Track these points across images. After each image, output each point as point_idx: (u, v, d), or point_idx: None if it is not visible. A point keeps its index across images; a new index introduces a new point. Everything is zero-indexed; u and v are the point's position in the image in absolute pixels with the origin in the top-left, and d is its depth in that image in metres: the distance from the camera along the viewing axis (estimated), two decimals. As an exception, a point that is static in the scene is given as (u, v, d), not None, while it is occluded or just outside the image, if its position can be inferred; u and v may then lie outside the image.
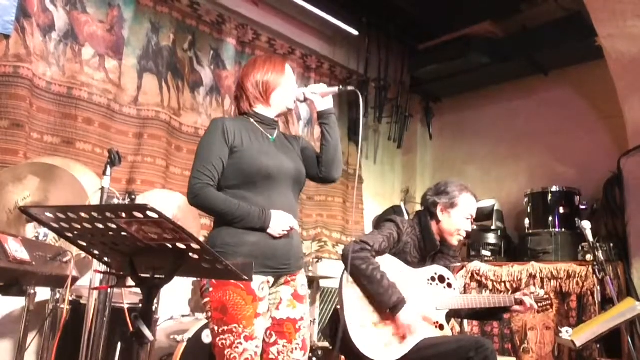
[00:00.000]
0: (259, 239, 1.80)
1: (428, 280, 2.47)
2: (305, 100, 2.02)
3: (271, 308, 1.86)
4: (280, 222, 1.81)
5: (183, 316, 3.07)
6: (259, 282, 1.79)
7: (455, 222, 2.50)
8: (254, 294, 1.76)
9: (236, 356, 1.70)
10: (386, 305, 2.27)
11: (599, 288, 3.33)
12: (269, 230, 1.80)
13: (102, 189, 2.30)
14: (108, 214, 1.11)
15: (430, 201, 2.56)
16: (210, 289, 1.77)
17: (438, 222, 2.52)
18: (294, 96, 2.01)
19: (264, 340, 1.85)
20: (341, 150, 2.04)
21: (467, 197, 2.54)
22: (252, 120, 1.96)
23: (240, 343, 1.71)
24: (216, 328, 1.75)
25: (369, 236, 2.42)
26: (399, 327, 2.30)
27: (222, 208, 1.79)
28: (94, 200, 2.40)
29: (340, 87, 2.03)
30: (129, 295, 2.56)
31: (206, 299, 1.79)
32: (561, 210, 4.18)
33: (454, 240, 2.53)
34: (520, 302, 2.49)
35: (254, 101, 1.97)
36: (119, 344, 2.50)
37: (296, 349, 1.85)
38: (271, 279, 1.84)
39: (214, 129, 1.87)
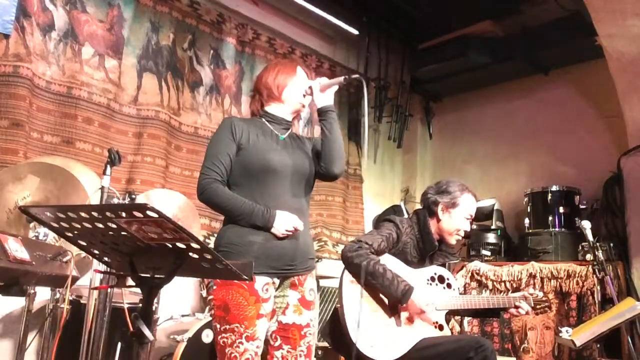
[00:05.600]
0: (263, 239, 1.79)
1: (427, 280, 2.46)
2: (312, 93, 1.99)
3: (277, 312, 1.85)
4: (284, 222, 1.80)
5: (183, 316, 3.07)
6: (263, 283, 1.78)
7: (456, 222, 2.50)
8: (257, 294, 1.75)
9: (237, 355, 1.70)
10: (395, 295, 2.26)
11: (599, 288, 3.34)
12: (272, 230, 1.79)
13: (102, 188, 2.30)
14: (108, 214, 1.11)
15: (432, 200, 2.55)
16: (214, 287, 1.77)
17: (438, 220, 2.52)
18: (303, 90, 1.99)
19: (269, 343, 1.85)
20: (342, 147, 2.01)
21: (468, 197, 2.54)
22: (263, 120, 1.98)
23: (242, 342, 1.71)
24: (218, 326, 1.76)
25: (367, 236, 2.42)
26: (412, 313, 2.31)
27: (227, 205, 1.81)
28: (94, 199, 2.40)
29: (346, 77, 1.97)
30: (129, 295, 2.56)
31: (210, 297, 1.80)
32: (561, 210, 4.17)
33: (453, 240, 2.54)
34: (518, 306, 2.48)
35: (266, 100, 1.98)
36: (119, 344, 2.50)
37: (300, 355, 1.84)
38: (277, 280, 1.83)
39: (222, 126, 1.91)
